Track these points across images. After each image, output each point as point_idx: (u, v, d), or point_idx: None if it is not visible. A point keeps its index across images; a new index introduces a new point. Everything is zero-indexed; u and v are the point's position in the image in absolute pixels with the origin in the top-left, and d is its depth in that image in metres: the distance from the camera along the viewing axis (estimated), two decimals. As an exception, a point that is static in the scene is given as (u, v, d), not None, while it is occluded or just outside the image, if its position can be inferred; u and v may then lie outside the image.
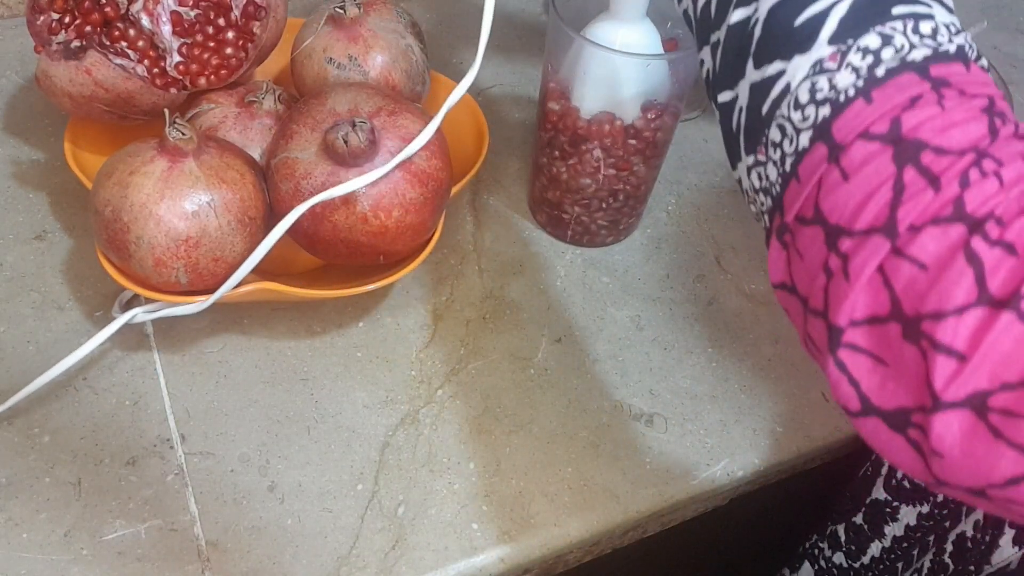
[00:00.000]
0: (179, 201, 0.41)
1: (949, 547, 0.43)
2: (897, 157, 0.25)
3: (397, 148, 0.43)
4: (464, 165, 0.52)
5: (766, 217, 0.30)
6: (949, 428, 0.23)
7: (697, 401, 0.50)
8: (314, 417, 0.46)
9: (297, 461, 0.45)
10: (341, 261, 0.46)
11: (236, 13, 0.49)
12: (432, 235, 0.47)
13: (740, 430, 0.49)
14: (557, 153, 0.52)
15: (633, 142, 0.49)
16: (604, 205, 0.54)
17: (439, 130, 0.46)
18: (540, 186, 0.55)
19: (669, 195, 0.61)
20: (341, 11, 0.49)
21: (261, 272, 0.48)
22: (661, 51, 0.48)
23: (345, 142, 0.41)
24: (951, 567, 0.42)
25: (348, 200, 0.42)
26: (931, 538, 0.43)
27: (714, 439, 0.48)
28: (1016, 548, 0.38)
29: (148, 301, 0.44)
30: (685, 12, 0.34)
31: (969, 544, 0.41)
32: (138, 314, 0.44)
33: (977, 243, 0.23)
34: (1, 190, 0.54)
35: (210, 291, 0.43)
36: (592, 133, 0.49)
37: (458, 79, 0.57)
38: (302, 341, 0.49)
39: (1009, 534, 0.39)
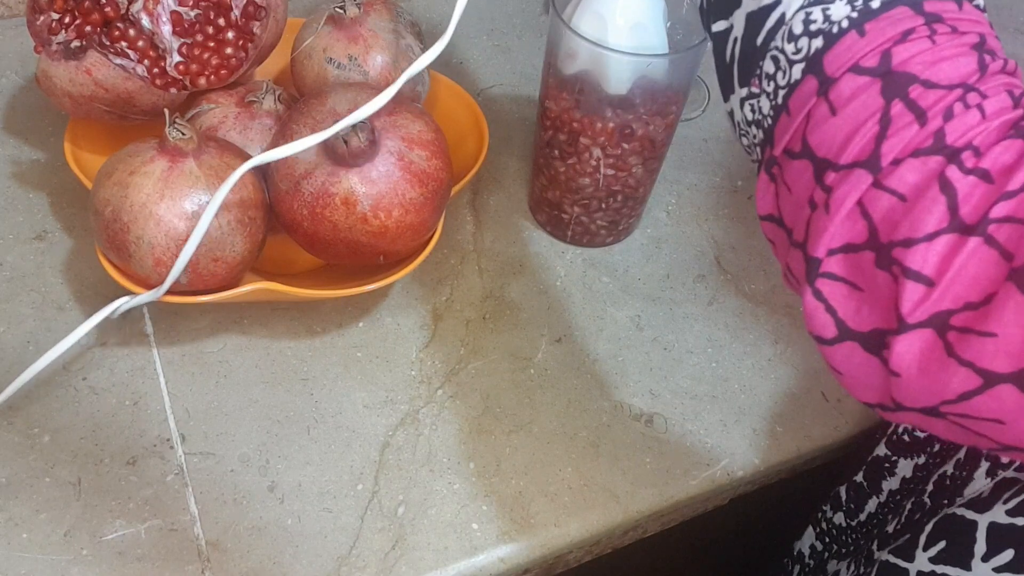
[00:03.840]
0: (179, 201, 0.41)
1: (930, 487, 0.43)
2: (885, 90, 0.25)
3: (397, 148, 0.43)
4: (464, 165, 0.52)
5: (758, 149, 0.31)
6: (910, 348, 0.24)
7: (697, 401, 0.50)
8: (314, 417, 0.46)
9: (297, 461, 0.45)
10: (341, 261, 0.46)
11: (236, 13, 0.49)
12: (432, 235, 0.47)
13: (740, 430, 0.49)
14: (556, 153, 0.52)
15: (628, 145, 0.49)
16: (603, 205, 0.54)
17: (439, 130, 0.46)
18: (540, 186, 0.55)
19: (669, 195, 0.61)
20: (341, 11, 0.49)
21: (261, 272, 0.48)
22: (662, 16, 0.46)
23: (345, 142, 0.41)
24: (928, 504, 0.42)
25: (348, 200, 0.42)
26: (920, 486, 0.44)
27: (714, 439, 0.48)
28: (988, 479, 0.38)
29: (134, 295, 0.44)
30: None
31: (948, 482, 0.41)
32: (121, 304, 0.43)
33: (952, 172, 0.24)
34: (1, 190, 0.54)
35: (210, 291, 0.43)
36: (590, 135, 0.49)
37: (458, 79, 0.57)
38: (302, 341, 0.49)
39: (984, 467, 0.39)
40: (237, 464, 0.44)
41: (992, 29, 0.27)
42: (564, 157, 0.51)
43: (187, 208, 0.41)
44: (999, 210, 0.23)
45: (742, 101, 0.30)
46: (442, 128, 0.46)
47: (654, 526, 0.49)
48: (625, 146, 0.49)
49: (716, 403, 0.50)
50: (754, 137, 0.31)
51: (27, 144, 0.57)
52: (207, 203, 0.41)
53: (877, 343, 0.26)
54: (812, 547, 0.54)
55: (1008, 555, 0.34)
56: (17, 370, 0.45)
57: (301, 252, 0.47)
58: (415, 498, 0.44)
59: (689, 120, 0.67)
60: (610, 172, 0.51)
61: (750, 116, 0.30)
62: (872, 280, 0.25)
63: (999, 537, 0.35)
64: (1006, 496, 0.36)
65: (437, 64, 0.63)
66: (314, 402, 0.47)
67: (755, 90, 0.29)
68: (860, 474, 0.50)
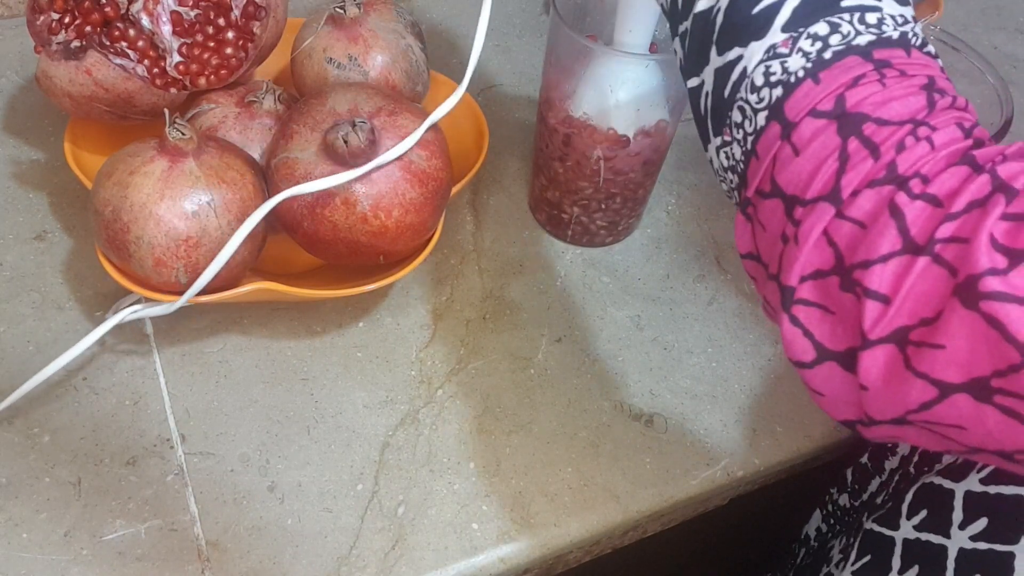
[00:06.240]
0: (179, 201, 0.41)
1: (915, 458, 0.45)
2: (841, 130, 0.27)
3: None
4: (464, 165, 0.52)
5: (735, 193, 0.33)
6: (875, 362, 0.26)
7: (697, 401, 0.50)
8: (314, 417, 0.46)
9: (297, 461, 0.45)
10: (341, 261, 0.46)
11: (236, 13, 0.49)
12: (432, 235, 0.47)
13: (740, 430, 0.49)
14: (556, 154, 0.52)
15: (628, 146, 0.49)
16: (603, 206, 0.54)
17: (439, 130, 0.46)
18: (540, 186, 0.55)
19: (669, 195, 0.61)
20: (341, 11, 0.49)
21: (261, 272, 0.48)
22: (661, 79, 0.47)
23: (345, 142, 0.41)
24: (912, 474, 0.44)
25: (348, 200, 0.42)
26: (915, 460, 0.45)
27: (714, 439, 0.48)
28: None
29: (148, 302, 0.44)
30: (662, 7, 0.36)
31: (930, 452, 0.43)
32: (126, 315, 0.44)
33: (900, 198, 0.26)
34: (1, 190, 0.54)
35: (210, 291, 0.43)
36: (590, 135, 0.49)
37: (458, 79, 0.57)
38: (302, 341, 0.49)
39: None
40: (237, 464, 0.44)
41: (943, 72, 0.30)
42: (563, 158, 0.51)
43: (187, 208, 0.41)
44: (944, 231, 0.25)
45: (717, 149, 0.33)
46: (442, 128, 0.46)
47: (654, 526, 0.49)
48: (625, 147, 0.49)
49: (716, 403, 0.50)
50: (731, 182, 0.33)
51: (27, 144, 0.57)
52: (207, 203, 0.41)
53: (852, 361, 0.27)
54: (818, 529, 0.55)
55: (983, 523, 0.36)
56: (17, 370, 0.46)
57: (301, 252, 0.47)
58: (415, 498, 0.44)
59: (689, 120, 0.67)
60: (610, 175, 0.51)
61: (725, 163, 0.33)
62: (840, 302, 0.27)
63: (975, 505, 0.37)
64: (979, 465, 0.37)
65: (437, 64, 0.63)
66: (314, 402, 0.47)
67: (727, 138, 0.32)
68: (866, 455, 0.50)
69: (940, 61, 0.30)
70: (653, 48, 0.50)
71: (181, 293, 0.43)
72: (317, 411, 0.47)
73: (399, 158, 0.43)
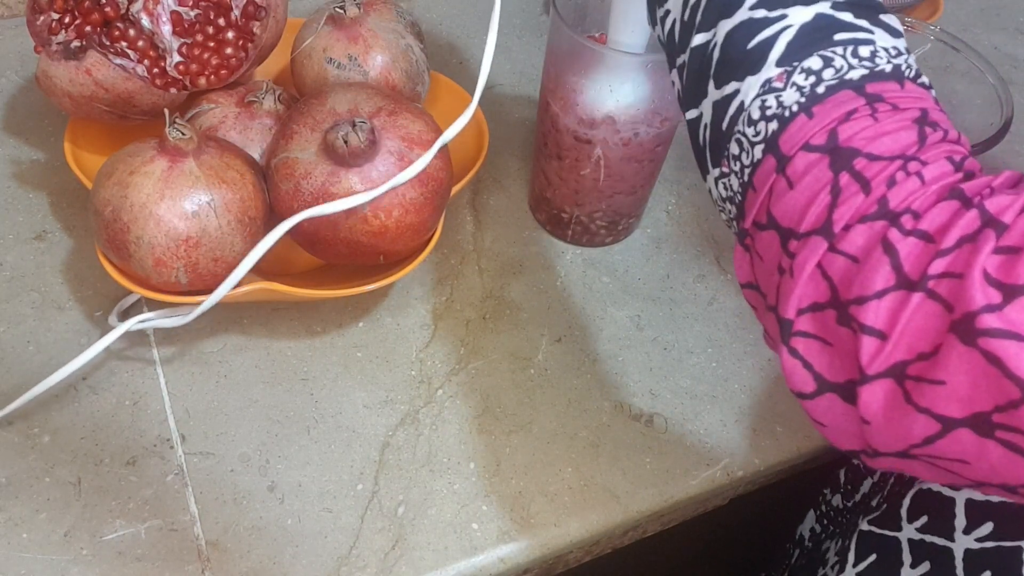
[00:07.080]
0: (179, 201, 0.41)
1: None
2: (833, 164, 0.28)
3: (397, 148, 0.43)
4: (464, 165, 0.52)
5: (734, 224, 0.33)
6: (874, 397, 0.26)
7: (697, 401, 0.50)
8: (314, 417, 0.46)
9: (297, 461, 0.45)
10: (341, 261, 0.46)
11: (236, 13, 0.49)
12: (432, 235, 0.47)
13: (740, 430, 0.49)
14: (556, 153, 0.52)
15: (628, 146, 0.49)
16: (603, 206, 0.54)
17: (439, 130, 0.46)
18: (539, 185, 0.55)
19: (669, 195, 0.61)
20: (341, 11, 0.49)
21: (261, 272, 0.48)
22: (661, 79, 0.47)
23: (345, 142, 0.41)
24: (907, 478, 0.44)
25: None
26: None
27: (714, 439, 0.48)
28: None
29: (149, 302, 0.44)
30: (659, 38, 0.37)
31: None
32: (133, 324, 0.44)
33: (892, 234, 0.26)
34: (1, 190, 0.54)
35: (210, 291, 0.43)
36: (590, 135, 0.49)
37: (458, 79, 0.57)
38: (302, 341, 0.49)
39: None
40: (237, 464, 0.44)
41: (937, 104, 0.30)
42: (563, 158, 0.51)
43: (187, 208, 0.41)
44: (937, 266, 0.25)
45: (716, 180, 0.33)
46: (442, 128, 0.46)
47: (654, 526, 0.49)
48: (625, 147, 0.50)
49: (716, 403, 0.50)
50: (729, 212, 0.33)
51: (27, 144, 0.57)
52: (207, 203, 0.41)
53: (852, 393, 0.27)
54: (812, 530, 0.55)
55: (988, 527, 0.37)
56: (17, 370, 0.46)
57: (301, 252, 0.47)
58: (415, 498, 0.44)
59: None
60: (609, 174, 0.51)
61: (724, 193, 0.33)
62: (837, 335, 0.27)
63: (977, 511, 0.37)
64: None
65: (437, 64, 0.63)
66: (314, 402, 0.47)
67: (725, 170, 0.32)
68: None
69: (934, 92, 0.30)
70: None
71: (181, 293, 0.43)
72: (317, 411, 0.47)
73: (400, 159, 0.43)
